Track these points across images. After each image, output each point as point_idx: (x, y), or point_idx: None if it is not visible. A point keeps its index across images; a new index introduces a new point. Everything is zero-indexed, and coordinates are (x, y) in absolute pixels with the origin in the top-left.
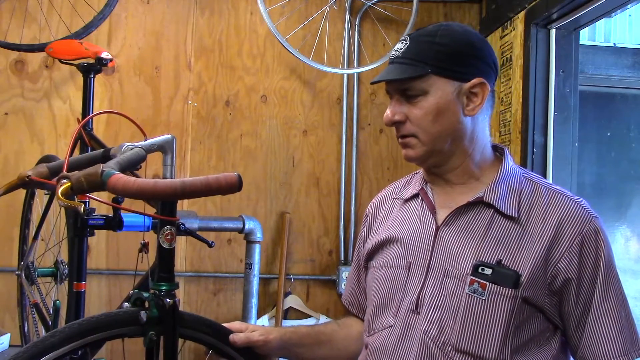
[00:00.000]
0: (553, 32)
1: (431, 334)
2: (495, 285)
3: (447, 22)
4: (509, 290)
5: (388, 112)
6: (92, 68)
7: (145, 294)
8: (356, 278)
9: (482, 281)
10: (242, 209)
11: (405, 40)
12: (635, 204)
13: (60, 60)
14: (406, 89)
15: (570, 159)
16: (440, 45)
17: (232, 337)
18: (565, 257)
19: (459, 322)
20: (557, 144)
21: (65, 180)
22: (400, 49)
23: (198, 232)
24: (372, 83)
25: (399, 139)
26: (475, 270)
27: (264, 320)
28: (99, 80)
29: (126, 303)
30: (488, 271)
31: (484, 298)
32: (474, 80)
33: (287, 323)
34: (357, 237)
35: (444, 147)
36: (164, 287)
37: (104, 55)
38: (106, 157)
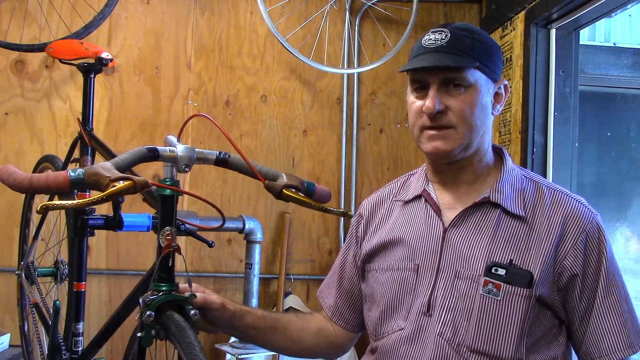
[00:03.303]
0: (553, 32)
1: (446, 336)
2: (510, 286)
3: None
4: (523, 290)
5: (428, 101)
6: (92, 68)
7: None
8: (338, 281)
9: (496, 282)
10: (242, 209)
11: (443, 31)
12: (635, 204)
13: (60, 60)
14: (453, 78)
15: (570, 159)
16: (480, 42)
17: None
18: (570, 254)
19: (474, 323)
20: (557, 144)
21: None
22: (442, 38)
23: (198, 232)
24: (418, 69)
25: (431, 130)
26: (488, 271)
27: None
28: (99, 80)
29: (149, 312)
30: (502, 272)
31: (498, 298)
32: (500, 82)
33: None
34: (346, 238)
35: (475, 143)
36: (163, 288)
37: (104, 55)
38: (154, 156)
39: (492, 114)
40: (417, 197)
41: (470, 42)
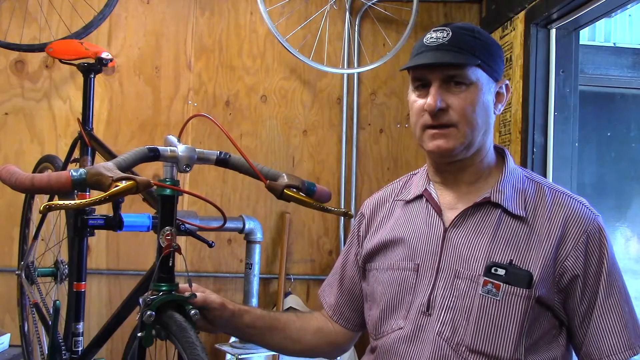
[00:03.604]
0: (553, 32)
1: (445, 335)
2: (509, 286)
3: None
4: (523, 291)
5: (429, 99)
6: (92, 68)
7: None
8: (339, 280)
9: (495, 282)
10: (242, 209)
11: (445, 30)
12: (635, 204)
13: (60, 60)
14: (454, 76)
15: (570, 159)
16: (481, 41)
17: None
18: (571, 255)
19: (473, 323)
20: (557, 144)
21: None
22: (444, 37)
23: (198, 232)
24: (419, 66)
25: (433, 129)
26: (488, 271)
27: None
28: (99, 80)
29: (150, 312)
30: (501, 272)
31: (498, 299)
32: (502, 81)
33: None
34: (348, 237)
35: (477, 142)
36: (163, 288)
37: (104, 55)
38: (155, 156)
39: (494, 113)
40: (419, 197)
41: (472, 40)
